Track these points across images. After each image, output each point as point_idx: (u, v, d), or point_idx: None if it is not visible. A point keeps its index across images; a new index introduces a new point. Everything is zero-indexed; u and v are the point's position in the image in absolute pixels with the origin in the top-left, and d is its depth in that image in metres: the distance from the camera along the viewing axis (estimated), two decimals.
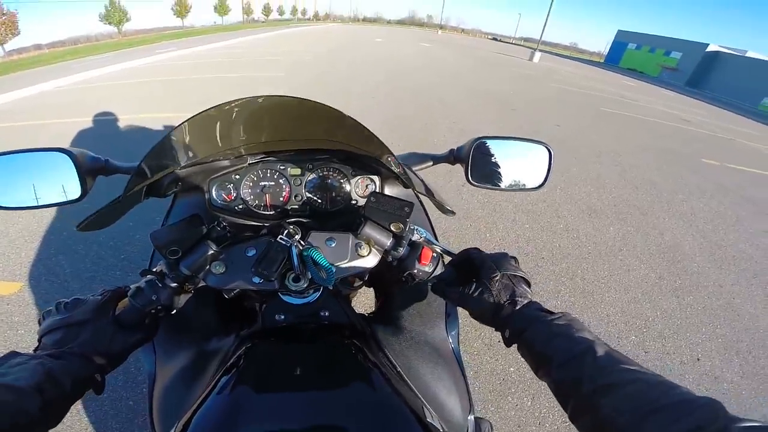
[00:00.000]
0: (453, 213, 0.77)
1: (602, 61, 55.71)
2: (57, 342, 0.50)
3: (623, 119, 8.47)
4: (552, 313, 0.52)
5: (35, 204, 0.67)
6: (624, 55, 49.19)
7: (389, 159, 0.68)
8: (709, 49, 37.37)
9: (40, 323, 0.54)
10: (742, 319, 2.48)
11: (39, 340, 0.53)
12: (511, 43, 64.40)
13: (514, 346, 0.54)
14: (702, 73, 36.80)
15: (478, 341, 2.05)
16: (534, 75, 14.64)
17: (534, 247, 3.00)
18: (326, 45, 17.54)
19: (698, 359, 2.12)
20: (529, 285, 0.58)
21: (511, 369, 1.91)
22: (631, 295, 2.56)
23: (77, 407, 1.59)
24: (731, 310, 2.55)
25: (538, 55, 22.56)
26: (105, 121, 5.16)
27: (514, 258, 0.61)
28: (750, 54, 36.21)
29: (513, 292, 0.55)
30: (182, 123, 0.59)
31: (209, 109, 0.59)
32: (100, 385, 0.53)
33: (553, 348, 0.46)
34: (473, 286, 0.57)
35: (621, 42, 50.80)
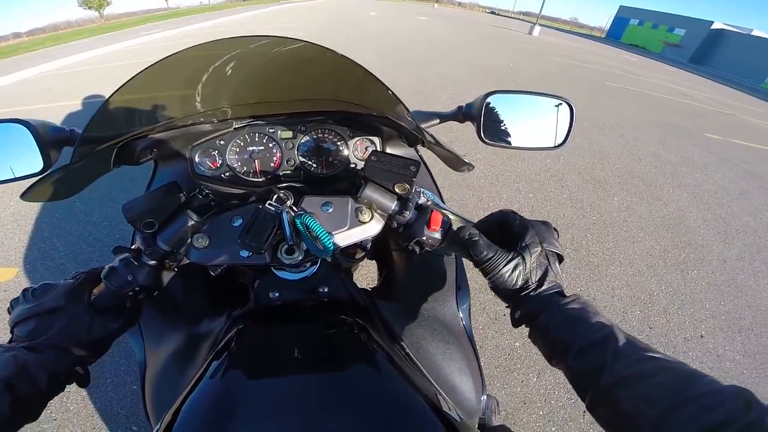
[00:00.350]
0: (471, 166, 0.69)
1: (603, 36, 54.52)
2: (30, 333, 0.46)
3: (626, 93, 8.32)
4: (565, 295, 0.49)
5: None
6: (626, 31, 48.26)
7: (402, 107, 0.60)
8: (714, 26, 36.65)
9: (9, 312, 0.50)
10: (745, 295, 2.46)
11: (11, 332, 0.48)
12: (510, 17, 62.75)
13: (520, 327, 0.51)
14: (706, 51, 36.27)
15: (483, 315, 2.03)
16: (534, 49, 14.28)
17: (538, 216, 2.94)
18: (319, 21, 16.99)
19: (702, 336, 2.11)
20: (561, 260, 0.53)
21: (517, 344, 1.89)
22: (635, 268, 2.54)
23: (81, 394, 1.57)
24: (735, 286, 2.53)
25: (537, 29, 22.00)
26: (93, 104, 5.00)
27: (556, 230, 0.54)
28: (755, 32, 35.52)
29: (545, 272, 0.50)
30: (137, 75, 0.50)
31: (174, 54, 0.50)
32: (84, 377, 0.49)
33: (571, 334, 0.44)
34: (511, 255, 0.50)
35: (623, 18, 49.75)
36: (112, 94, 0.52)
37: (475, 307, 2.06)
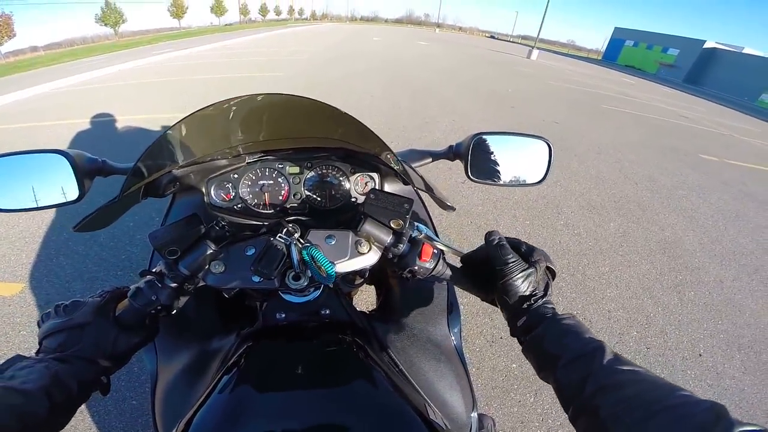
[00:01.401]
0: (453, 209, 0.77)
1: (600, 58, 55.78)
2: (60, 345, 0.50)
3: (622, 116, 8.48)
4: (559, 313, 0.53)
5: (33, 206, 0.66)
6: (622, 53, 49.39)
7: (388, 156, 0.67)
8: (706, 45, 37.52)
9: (39, 325, 0.54)
10: (743, 314, 2.48)
11: (40, 343, 0.52)
12: (509, 41, 64.45)
13: (509, 340, 0.54)
14: (700, 70, 36.97)
15: (480, 338, 2.05)
16: (532, 73, 14.63)
17: (534, 243, 2.93)
18: (324, 45, 17.51)
19: (700, 355, 2.12)
20: (554, 277, 0.59)
21: (514, 365, 1.91)
22: (632, 291, 2.56)
23: (81, 407, 1.58)
24: (732, 305, 2.55)
25: (535, 52, 22.58)
26: (103, 123, 5.14)
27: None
28: (747, 50, 36.29)
29: (547, 286, 0.56)
30: (178, 122, 0.59)
31: (205, 107, 0.58)
32: (106, 386, 0.53)
33: (561, 347, 0.47)
34: (527, 266, 0.56)
35: (618, 39, 51.00)
36: (155, 140, 0.59)
37: (473, 330, 2.09)
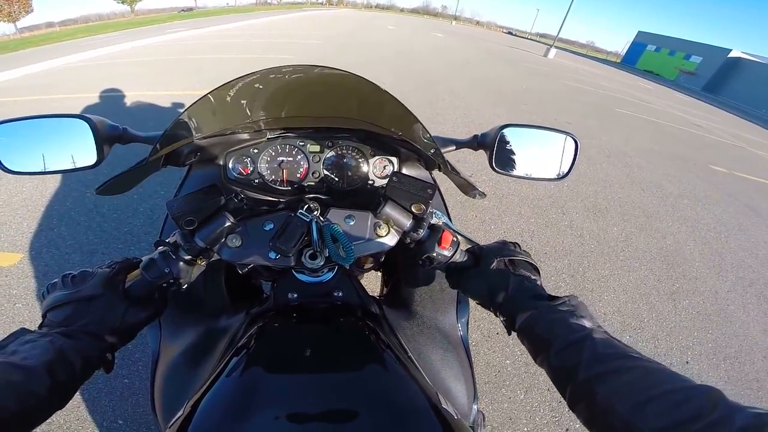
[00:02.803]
0: (483, 195, 0.75)
1: (619, 61, 54.74)
2: (65, 319, 0.47)
3: (636, 121, 8.36)
4: (556, 297, 0.51)
5: (51, 169, 0.66)
6: (642, 57, 48.37)
7: (420, 131, 0.65)
8: (732, 54, 36.54)
9: (44, 297, 0.50)
10: (733, 325, 2.48)
11: (43, 316, 0.49)
12: (527, 38, 63.34)
13: (511, 335, 0.54)
14: (720, 79, 36.09)
15: (477, 332, 2.06)
16: (548, 72, 14.41)
17: (538, 242, 2.99)
18: (338, 31, 17.31)
19: (687, 362, 2.14)
20: (536, 269, 0.58)
21: (507, 362, 1.92)
22: (629, 296, 2.56)
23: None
24: (724, 316, 2.56)
25: (553, 51, 22.21)
26: (112, 98, 5.16)
27: (515, 243, 0.60)
28: None
29: (507, 276, 0.55)
30: (205, 95, 0.58)
31: (234, 80, 0.58)
32: (110, 363, 0.50)
33: (553, 333, 0.46)
34: (470, 273, 0.57)
35: (640, 43, 49.97)
36: (183, 111, 0.59)
37: (470, 324, 2.09)
